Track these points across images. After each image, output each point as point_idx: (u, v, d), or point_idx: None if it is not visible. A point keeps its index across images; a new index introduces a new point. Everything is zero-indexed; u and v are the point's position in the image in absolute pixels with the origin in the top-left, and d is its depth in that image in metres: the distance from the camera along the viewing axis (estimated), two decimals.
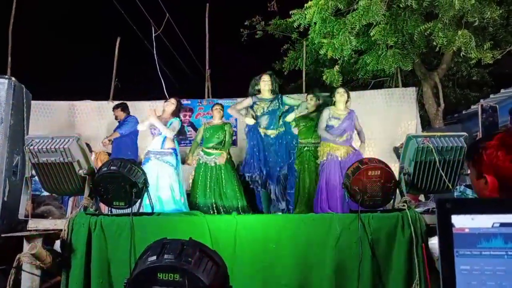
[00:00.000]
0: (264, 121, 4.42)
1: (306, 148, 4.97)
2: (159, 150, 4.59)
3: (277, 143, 4.36)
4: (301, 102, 4.68)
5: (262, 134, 4.38)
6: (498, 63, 7.02)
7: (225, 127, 5.00)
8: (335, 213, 3.22)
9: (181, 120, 4.93)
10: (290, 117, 4.39)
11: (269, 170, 4.27)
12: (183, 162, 5.19)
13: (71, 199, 5.20)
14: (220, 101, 7.08)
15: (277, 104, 4.46)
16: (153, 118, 4.62)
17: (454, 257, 1.05)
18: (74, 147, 3.13)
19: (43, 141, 3.16)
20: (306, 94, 5.55)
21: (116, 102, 6.60)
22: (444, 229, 1.06)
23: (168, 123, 4.68)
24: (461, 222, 1.06)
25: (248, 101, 4.55)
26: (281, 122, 4.45)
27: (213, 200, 4.70)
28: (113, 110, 6.36)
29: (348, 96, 4.77)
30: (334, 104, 4.75)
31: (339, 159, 4.45)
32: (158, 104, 7.17)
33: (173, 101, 4.95)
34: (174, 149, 4.70)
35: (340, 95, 4.70)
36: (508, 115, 5.54)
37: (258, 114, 4.44)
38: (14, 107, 3.71)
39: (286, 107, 4.61)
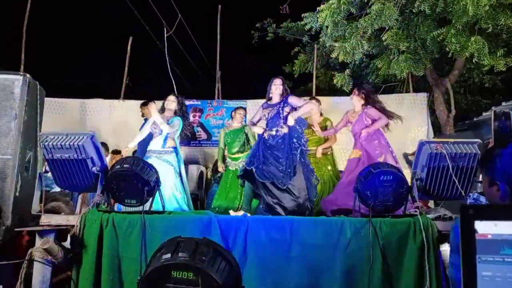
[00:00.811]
0: (268, 126, 4.22)
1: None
2: (160, 149, 4.52)
3: (278, 146, 4.05)
4: (305, 103, 4.29)
5: (266, 137, 4.14)
6: (510, 70, 6.97)
7: (244, 129, 5.04)
8: (346, 217, 3.20)
9: (183, 119, 4.73)
10: (290, 121, 4.08)
11: (270, 175, 3.94)
12: (215, 171, 5.16)
13: (80, 195, 5.25)
14: (230, 102, 7.12)
15: (281, 106, 4.19)
16: (155, 114, 4.55)
17: (476, 263, 1.04)
18: (88, 144, 3.15)
19: (58, 137, 3.19)
20: (308, 98, 5.43)
21: (141, 101, 6.57)
22: (467, 234, 1.05)
23: (170, 121, 4.59)
24: (484, 228, 1.05)
25: (260, 112, 4.36)
26: (283, 125, 4.13)
27: (228, 205, 4.74)
28: (140, 108, 6.39)
29: (362, 96, 4.50)
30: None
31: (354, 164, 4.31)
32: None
33: (173, 98, 4.76)
34: (175, 148, 4.59)
35: (352, 97, 4.61)
36: None
37: (264, 121, 4.29)
38: (28, 103, 3.76)
39: (289, 108, 4.23)
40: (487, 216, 1.06)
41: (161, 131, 4.53)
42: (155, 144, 4.57)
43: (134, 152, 5.75)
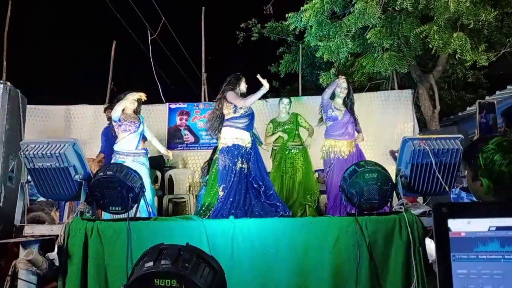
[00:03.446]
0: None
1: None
2: (133, 150, 4.32)
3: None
4: None
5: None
6: (493, 65, 7.06)
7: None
8: (332, 216, 3.20)
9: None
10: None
11: None
12: (207, 173, 5.15)
13: (67, 204, 5.18)
14: None
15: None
16: (155, 141, 4.62)
17: (451, 262, 1.05)
18: (70, 152, 3.11)
19: (39, 146, 3.14)
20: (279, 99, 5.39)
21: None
22: (440, 233, 1.06)
23: (140, 121, 4.44)
24: (458, 226, 1.05)
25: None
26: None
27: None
28: (105, 111, 6.22)
29: (349, 92, 4.56)
30: (333, 98, 4.58)
31: (344, 157, 4.30)
32: (155, 108, 7.19)
33: (137, 96, 4.49)
34: (146, 149, 4.50)
35: (340, 90, 4.55)
36: (501, 117, 5.56)
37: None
38: (10, 112, 3.71)
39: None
40: (460, 214, 1.07)
41: (137, 128, 4.33)
42: (127, 144, 4.29)
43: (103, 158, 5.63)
